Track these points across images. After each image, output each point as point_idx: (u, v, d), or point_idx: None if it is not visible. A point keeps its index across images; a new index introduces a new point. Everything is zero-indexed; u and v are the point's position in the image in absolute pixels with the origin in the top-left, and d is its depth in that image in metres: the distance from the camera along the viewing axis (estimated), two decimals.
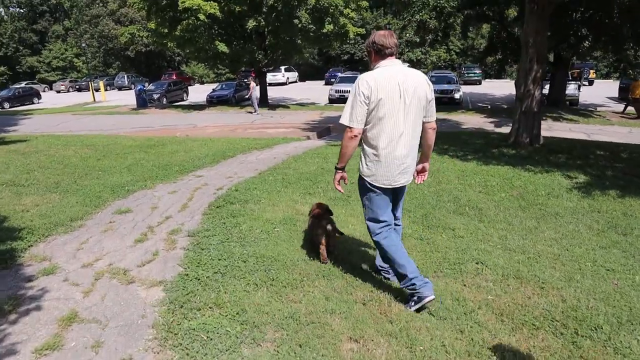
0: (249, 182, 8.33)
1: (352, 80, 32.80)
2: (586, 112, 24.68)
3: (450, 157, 10.48)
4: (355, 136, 3.59)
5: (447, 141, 12.83)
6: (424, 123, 3.74)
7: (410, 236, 5.62)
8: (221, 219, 6.08)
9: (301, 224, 5.92)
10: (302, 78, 56.16)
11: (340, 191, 4.14)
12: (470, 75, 46.39)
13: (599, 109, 26.53)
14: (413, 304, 3.74)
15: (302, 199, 7.24)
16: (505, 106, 28.94)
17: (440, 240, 5.54)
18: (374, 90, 3.43)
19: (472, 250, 5.20)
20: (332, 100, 31.91)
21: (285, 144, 14.08)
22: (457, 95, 29.57)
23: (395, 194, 3.95)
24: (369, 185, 3.81)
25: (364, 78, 3.51)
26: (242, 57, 26.59)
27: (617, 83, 32.67)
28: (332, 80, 46.62)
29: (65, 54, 66.28)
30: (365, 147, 3.75)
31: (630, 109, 24.11)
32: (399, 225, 4.24)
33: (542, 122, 21.24)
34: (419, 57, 64.67)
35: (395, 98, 3.46)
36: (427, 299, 3.67)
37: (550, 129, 18.86)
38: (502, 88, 43.38)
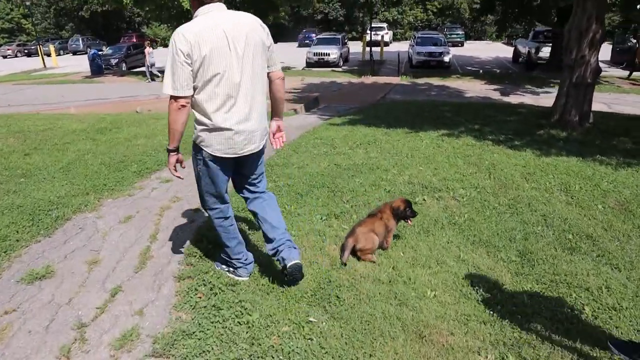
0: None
1: (332, 41, 29.97)
2: None
3: (494, 144, 8.12)
4: (183, 106, 2.97)
5: (475, 118, 10.47)
6: (268, 74, 3.31)
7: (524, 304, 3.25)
8: (211, 292, 3.57)
9: (348, 290, 3.51)
10: (274, 39, 52.38)
11: (179, 177, 3.37)
12: (453, 36, 44.12)
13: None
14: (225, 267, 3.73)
15: (327, 227, 4.79)
16: (498, 70, 26.88)
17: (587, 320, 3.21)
18: (194, 46, 2.83)
19: None
20: (310, 64, 29.16)
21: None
22: (446, 59, 27.35)
23: (241, 165, 3.36)
24: (204, 155, 3.15)
25: (180, 32, 2.85)
26: None
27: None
28: (306, 42, 43.56)
29: (11, 15, 59.98)
30: (196, 113, 3.08)
31: (636, 74, 22.31)
32: (265, 197, 3.65)
33: (550, 89, 19.28)
34: (395, 17, 61.84)
35: (223, 51, 2.91)
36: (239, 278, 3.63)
37: None
38: (486, 50, 41.34)
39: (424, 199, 5.63)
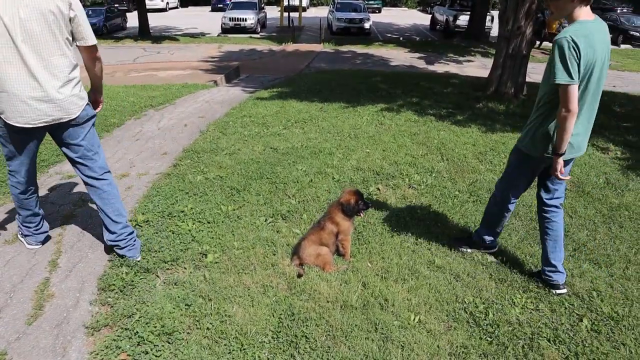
0: (161, 191, 4.80)
1: (248, 6, 28.40)
2: None
3: (437, 119, 7.66)
4: None
5: (411, 90, 9.99)
6: (80, 48, 3.06)
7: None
8: (140, 350, 2.69)
9: (317, 324, 2.79)
10: (184, 3, 49.12)
11: None
12: (371, 2, 43.62)
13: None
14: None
15: (275, 233, 4.02)
16: (417, 38, 26.89)
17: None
18: None
19: None
20: (225, 30, 27.47)
21: (191, 95, 10.32)
22: (366, 25, 26.99)
23: (57, 138, 3.19)
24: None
25: None
26: None
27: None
28: (219, 6, 41.19)
29: None
30: None
31: (546, 43, 23.17)
32: (103, 187, 3.37)
33: (472, 57, 19.46)
34: None
35: None
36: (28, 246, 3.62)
37: (485, 66, 16.86)
38: (403, 17, 41.53)
39: (379, 189, 5.00)
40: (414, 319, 2.99)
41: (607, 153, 6.46)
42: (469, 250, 3.85)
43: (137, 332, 2.72)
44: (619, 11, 30.67)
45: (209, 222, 4.13)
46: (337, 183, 5.05)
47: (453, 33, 25.59)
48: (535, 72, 15.91)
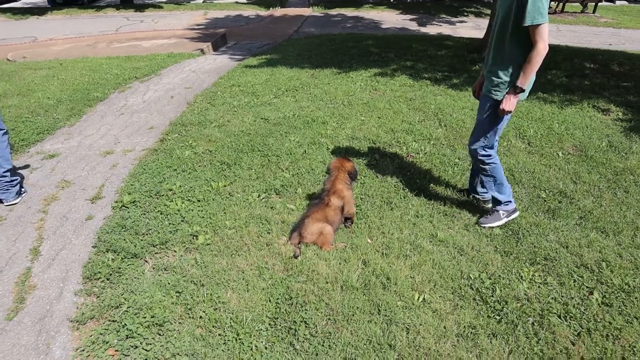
0: (148, 169, 4.58)
1: None
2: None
3: (432, 83, 7.40)
4: None
5: (404, 53, 9.66)
6: None
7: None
8: (129, 344, 2.53)
9: (316, 307, 2.64)
10: None
11: None
12: None
13: None
14: None
15: (270, 209, 3.82)
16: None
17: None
18: None
19: None
20: None
21: (177, 65, 9.94)
22: None
23: None
24: None
25: None
26: None
27: None
28: None
29: None
30: None
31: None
32: None
33: (465, 18, 18.93)
34: None
35: None
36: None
37: (479, 27, 16.46)
38: None
39: (376, 158, 4.80)
40: (419, 299, 2.84)
41: (608, 114, 6.26)
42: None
43: (126, 324, 2.55)
44: None
45: (199, 201, 3.93)
46: (332, 154, 4.84)
47: None
48: None
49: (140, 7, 21.64)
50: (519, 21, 2.87)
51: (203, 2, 25.31)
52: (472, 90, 3.75)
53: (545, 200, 4.07)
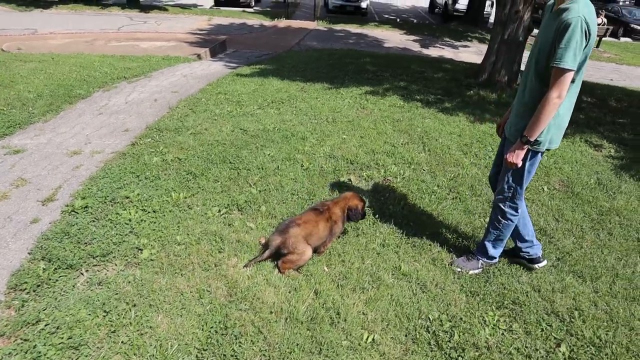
0: (110, 173, 4.34)
1: None
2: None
3: (423, 105, 7.19)
4: None
5: (400, 73, 9.48)
6: None
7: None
8: None
9: (252, 340, 2.39)
10: None
11: None
12: None
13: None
14: None
15: (227, 227, 3.58)
16: (415, 20, 26.19)
17: None
18: None
19: None
20: (218, 3, 26.56)
21: (169, 68, 9.76)
22: (363, 5, 26.16)
23: None
24: None
25: None
26: None
27: None
28: None
29: None
30: None
31: None
32: None
33: (469, 43, 18.85)
34: None
35: None
36: None
37: (481, 52, 16.33)
38: None
39: (350, 179, 4.57)
40: (367, 339, 2.59)
41: (600, 150, 6.06)
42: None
43: (37, 345, 2.30)
44: (621, 3, 30.07)
45: (154, 212, 3.69)
46: (305, 171, 4.61)
47: (451, 17, 24.93)
48: None
49: (146, 8, 21.60)
50: (549, 58, 2.52)
51: (210, 8, 25.31)
52: (496, 127, 3.41)
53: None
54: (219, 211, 3.79)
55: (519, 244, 3.32)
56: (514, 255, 3.44)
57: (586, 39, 2.41)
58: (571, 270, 3.47)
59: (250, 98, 7.04)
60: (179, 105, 6.71)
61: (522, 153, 2.72)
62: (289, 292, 2.90)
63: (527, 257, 3.34)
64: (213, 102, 6.81)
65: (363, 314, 2.78)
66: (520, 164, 2.76)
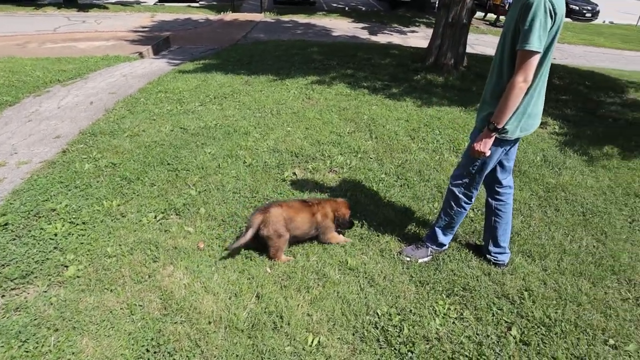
0: (36, 185, 4.02)
1: None
2: None
3: (370, 92, 7.10)
4: None
5: (347, 61, 9.37)
6: None
7: None
8: None
9: (187, 356, 2.22)
10: None
11: None
12: None
13: None
14: None
15: (163, 233, 3.36)
16: (363, 8, 26.17)
17: None
18: None
19: None
20: None
21: (108, 68, 9.31)
22: None
23: None
24: None
25: None
26: None
27: None
28: None
29: None
30: None
31: (491, 15, 23.08)
32: None
33: (417, 28, 18.95)
34: None
35: None
36: None
37: (429, 37, 16.43)
38: None
39: (295, 173, 4.41)
40: (312, 342, 2.45)
41: (545, 128, 6.12)
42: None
43: None
44: None
45: (83, 223, 3.42)
46: (248, 168, 4.42)
47: (399, 3, 25.04)
48: (477, 44, 15.65)
49: (84, 7, 20.67)
50: (514, 40, 2.40)
51: (154, 4, 24.49)
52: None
53: (472, 221, 3.79)
54: (155, 217, 3.56)
55: (491, 248, 3.20)
56: (480, 253, 3.33)
57: (552, 19, 2.29)
58: (520, 250, 3.44)
59: (192, 95, 6.76)
60: (116, 106, 6.37)
61: (489, 142, 2.59)
62: (229, 299, 2.72)
63: (494, 261, 3.23)
64: (152, 102, 6.50)
65: (308, 315, 2.64)
66: (488, 153, 2.64)
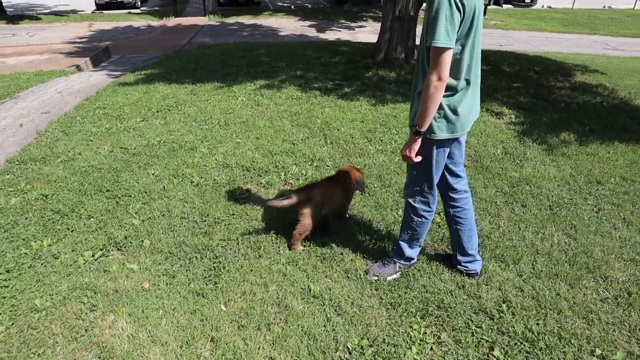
0: None
1: None
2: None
3: (322, 94, 6.84)
4: None
5: (296, 62, 9.07)
6: None
7: None
8: None
9: None
10: None
11: None
12: None
13: None
14: None
15: (102, 274, 2.98)
16: (309, 5, 25.97)
17: None
18: None
19: None
20: (100, 7, 24.86)
21: (42, 85, 8.70)
22: None
23: None
24: None
25: None
26: None
27: None
28: None
29: None
30: None
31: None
32: None
33: (364, 23, 18.86)
34: None
35: None
36: None
37: (377, 31, 16.39)
38: None
39: (248, 190, 4.09)
40: None
41: (501, 118, 6.02)
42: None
43: None
44: None
45: (7, 272, 3.00)
46: (196, 188, 4.07)
47: None
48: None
49: (14, 19, 19.53)
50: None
51: (92, 13, 23.47)
52: None
53: (439, 227, 3.57)
54: (93, 255, 3.16)
55: (460, 257, 2.97)
56: (451, 264, 3.10)
57: (459, 12, 2.08)
58: (493, 255, 3.25)
59: (133, 110, 6.30)
60: (49, 128, 5.85)
61: (416, 146, 2.36)
62: (180, 348, 2.38)
63: (465, 271, 3.01)
64: (90, 120, 6.01)
65: (270, 359, 2.33)
66: (416, 159, 2.41)
